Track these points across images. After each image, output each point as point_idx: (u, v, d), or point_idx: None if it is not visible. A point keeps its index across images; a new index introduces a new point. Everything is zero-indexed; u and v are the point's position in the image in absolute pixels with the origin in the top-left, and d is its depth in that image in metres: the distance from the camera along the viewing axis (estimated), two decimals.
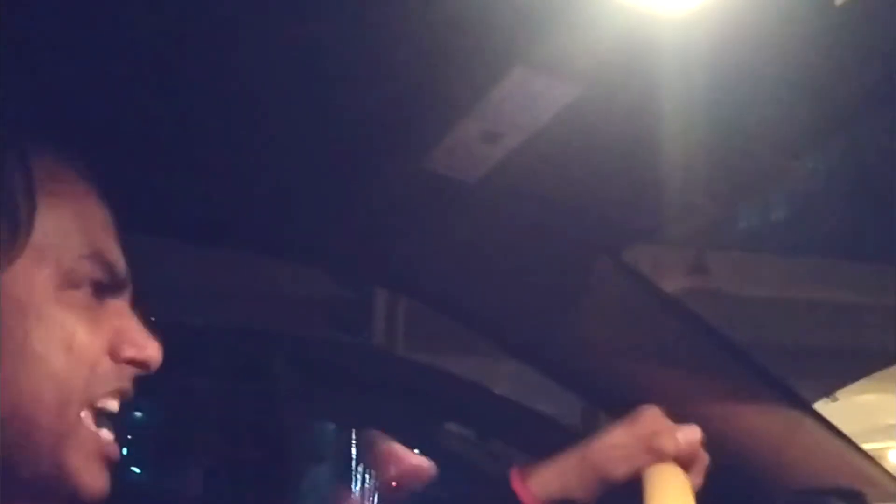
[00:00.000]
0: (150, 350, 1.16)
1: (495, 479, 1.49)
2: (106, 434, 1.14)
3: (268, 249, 2.14)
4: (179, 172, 1.67)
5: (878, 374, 10.05)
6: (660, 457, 1.37)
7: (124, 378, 1.15)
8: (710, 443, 1.46)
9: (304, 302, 8.32)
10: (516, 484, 1.42)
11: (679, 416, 1.47)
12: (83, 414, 1.11)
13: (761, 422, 1.85)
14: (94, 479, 1.13)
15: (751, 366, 1.88)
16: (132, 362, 1.15)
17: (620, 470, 1.39)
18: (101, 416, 1.14)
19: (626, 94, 1.41)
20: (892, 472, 1.90)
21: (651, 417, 1.42)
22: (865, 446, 1.94)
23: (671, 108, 1.43)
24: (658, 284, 1.92)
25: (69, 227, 1.12)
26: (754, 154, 1.60)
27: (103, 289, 1.14)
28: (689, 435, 1.39)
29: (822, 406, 1.94)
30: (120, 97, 1.45)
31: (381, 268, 1.97)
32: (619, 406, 1.50)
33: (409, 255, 1.85)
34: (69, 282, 1.11)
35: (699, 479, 1.40)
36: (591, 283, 1.84)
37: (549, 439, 3.08)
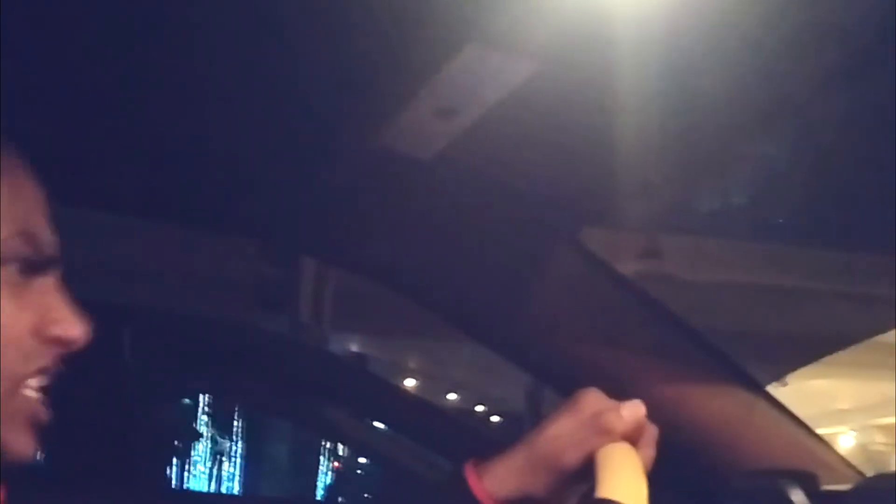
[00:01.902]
0: (77, 329, 1.14)
1: (448, 477, 1.48)
2: (34, 400, 1.13)
3: (208, 224, 2.12)
4: (114, 142, 1.65)
5: (828, 360, 10.17)
6: (607, 436, 1.36)
7: (49, 357, 1.14)
8: (664, 425, 1.46)
9: (228, 281, 8.31)
10: (472, 481, 1.41)
11: (632, 397, 1.46)
12: (8, 388, 1.10)
13: (715, 404, 1.85)
14: (23, 444, 1.12)
15: (705, 348, 1.88)
16: (58, 341, 1.13)
17: (571, 457, 1.38)
18: (29, 393, 1.13)
19: (580, 72, 1.41)
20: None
21: (593, 399, 1.41)
22: (816, 431, 1.94)
23: (626, 88, 1.42)
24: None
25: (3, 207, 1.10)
26: (709, 135, 1.60)
27: (31, 266, 1.12)
28: (633, 410, 1.38)
29: (772, 391, 1.94)
30: (57, 65, 1.43)
31: (332, 245, 1.96)
32: (574, 388, 1.49)
33: (360, 232, 1.84)
34: None
35: (651, 452, 1.39)
36: (545, 263, 1.83)
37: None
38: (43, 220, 1.15)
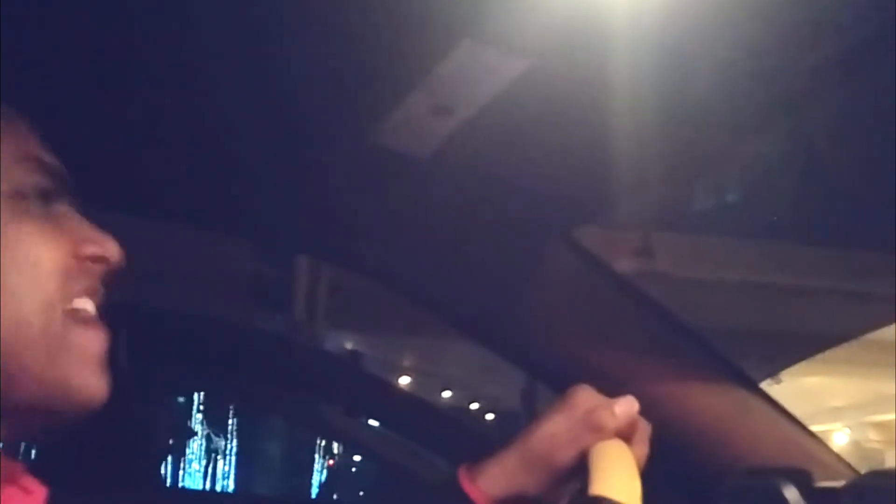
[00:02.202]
0: (110, 245, 1.16)
1: (443, 480, 1.48)
2: (93, 335, 1.14)
3: (202, 222, 2.12)
4: (107, 140, 1.65)
5: (822, 357, 10.17)
6: (600, 433, 1.36)
7: (92, 276, 1.15)
8: (658, 422, 1.46)
9: (222, 279, 8.29)
10: (466, 484, 1.41)
11: (626, 395, 1.46)
12: (65, 320, 1.10)
13: (709, 401, 1.85)
14: (93, 383, 1.14)
15: (699, 346, 1.89)
16: (95, 259, 1.14)
17: (565, 455, 1.38)
18: (81, 319, 1.13)
19: (575, 70, 1.41)
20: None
21: (585, 396, 1.41)
22: (810, 429, 1.95)
23: (621, 85, 1.42)
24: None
25: (3, 137, 1.11)
26: (704, 133, 1.59)
27: (48, 195, 1.13)
28: (626, 406, 1.39)
29: (766, 388, 1.94)
30: (49, 64, 1.43)
31: (327, 243, 1.96)
32: (568, 386, 1.49)
33: (355, 230, 1.84)
34: (18, 192, 1.10)
35: (644, 449, 1.40)
36: (540, 261, 1.83)
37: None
38: (41, 145, 1.15)
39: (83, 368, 1.12)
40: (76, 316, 1.12)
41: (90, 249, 1.14)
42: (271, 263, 8.38)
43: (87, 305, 1.14)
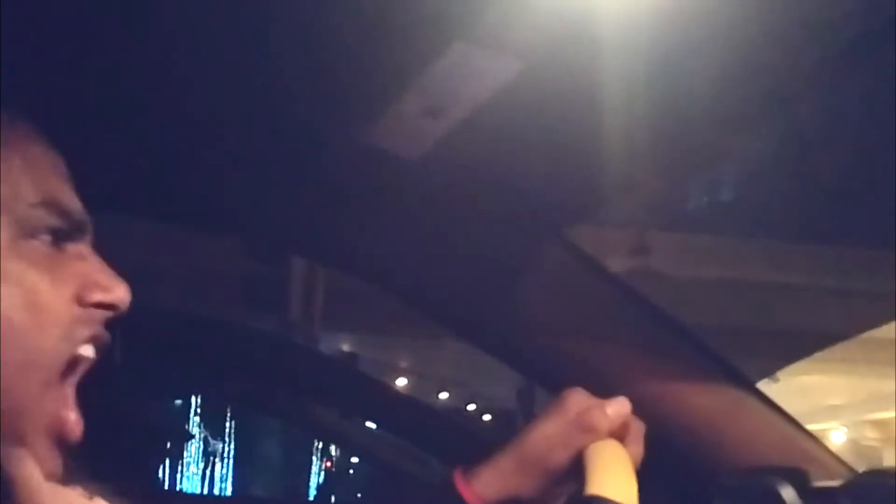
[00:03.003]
0: (118, 291, 1.14)
1: (438, 482, 1.48)
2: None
3: (197, 223, 2.11)
4: (101, 140, 1.64)
5: (819, 356, 10.17)
6: (594, 435, 1.36)
7: (95, 323, 1.13)
8: (653, 422, 1.46)
9: (218, 280, 8.29)
10: (461, 486, 1.41)
11: (621, 394, 1.46)
12: (67, 366, 1.10)
13: (704, 401, 1.85)
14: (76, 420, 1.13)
15: (694, 345, 1.88)
16: (101, 306, 1.13)
17: (559, 456, 1.38)
18: (81, 363, 1.13)
19: (566, 70, 1.40)
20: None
21: (577, 398, 1.41)
22: (808, 427, 1.94)
23: (613, 85, 1.42)
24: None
25: (18, 176, 1.10)
26: (696, 130, 1.60)
27: (62, 235, 1.12)
28: (618, 407, 1.39)
29: (763, 387, 1.94)
30: (41, 62, 1.42)
31: (320, 244, 1.96)
32: (562, 386, 1.49)
33: (349, 231, 1.83)
34: (25, 232, 1.09)
35: (638, 448, 1.40)
36: (534, 261, 1.83)
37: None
38: (65, 186, 1.14)
39: (72, 406, 1.13)
40: (77, 360, 1.12)
41: (97, 297, 1.12)
42: (267, 264, 8.38)
43: (88, 352, 1.13)
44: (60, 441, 1.12)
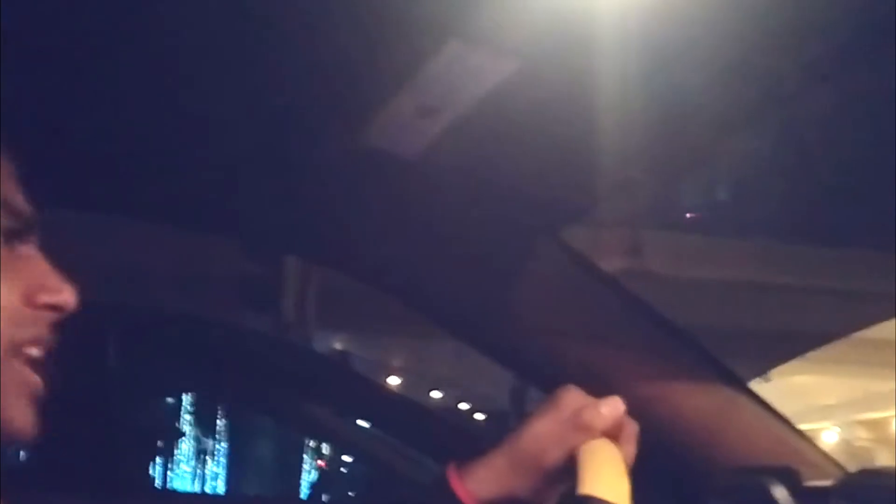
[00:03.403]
0: (66, 294, 1.14)
1: (431, 480, 1.48)
2: (31, 374, 1.12)
3: (191, 223, 2.11)
4: (96, 141, 1.64)
5: (811, 356, 10.19)
6: (588, 434, 1.36)
7: (42, 325, 1.13)
8: (646, 422, 1.46)
9: (212, 280, 8.29)
10: (455, 484, 1.41)
11: (615, 394, 1.46)
12: (9, 364, 1.10)
13: (697, 401, 1.85)
14: (23, 418, 1.11)
15: (687, 345, 1.89)
16: (49, 307, 1.13)
17: (552, 455, 1.38)
18: (26, 362, 1.12)
19: (562, 70, 1.41)
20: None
21: (572, 397, 1.41)
22: (800, 427, 1.95)
23: (608, 85, 1.42)
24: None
25: None
26: (691, 130, 1.60)
27: (11, 236, 1.12)
28: (612, 406, 1.39)
29: (755, 387, 1.95)
30: (32, 65, 1.42)
31: (315, 244, 1.96)
32: (556, 385, 1.49)
33: (344, 230, 1.83)
34: None
35: (631, 448, 1.40)
36: (528, 261, 1.83)
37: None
38: (15, 186, 1.14)
39: (17, 406, 1.11)
40: (21, 360, 1.11)
41: (45, 298, 1.12)
42: (261, 264, 8.38)
43: (33, 353, 1.13)
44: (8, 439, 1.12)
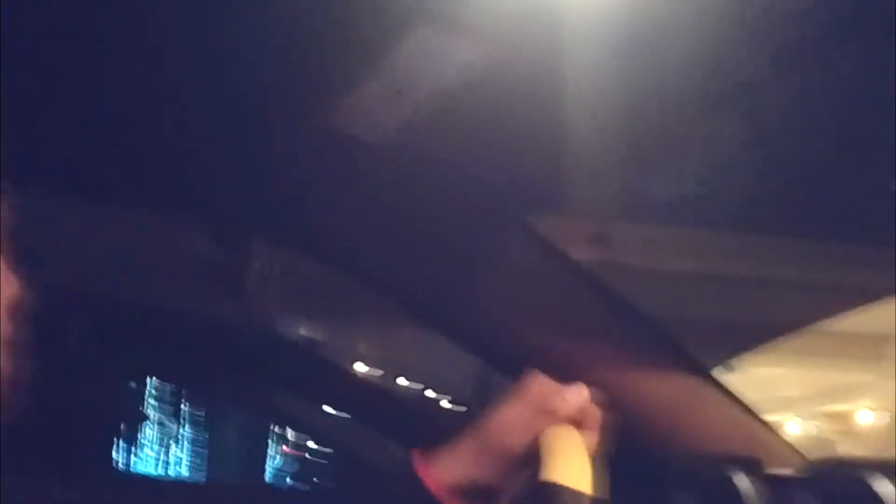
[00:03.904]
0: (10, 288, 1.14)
1: (396, 465, 1.48)
2: None
3: (154, 206, 2.10)
4: (58, 124, 1.63)
5: (775, 347, 10.22)
6: (552, 419, 1.36)
7: None
8: (610, 409, 1.46)
9: (174, 264, 8.26)
10: (420, 469, 1.41)
11: (580, 382, 1.47)
12: None
13: (662, 389, 1.85)
14: None
15: (651, 334, 1.89)
16: None
17: (517, 441, 1.38)
18: None
19: (531, 57, 1.41)
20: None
21: (537, 383, 1.41)
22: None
23: (576, 74, 1.42)
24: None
25: None
26: (657, 120, 1.60)
27: None
28: (577, 393, 1.39)
29: (717, 376, 1.96)
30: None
31: (282, 228, 1.96)
32: (521, 373, 1.49)
33: (311, 214, 1.83)
34: None
35: (595, 435, 1.40)
36: (496, 249, 1.83)
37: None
38: None
39: None
40: None
41: None
42: (224, 249, 8.35)
43: None
44: None
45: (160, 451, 10.87)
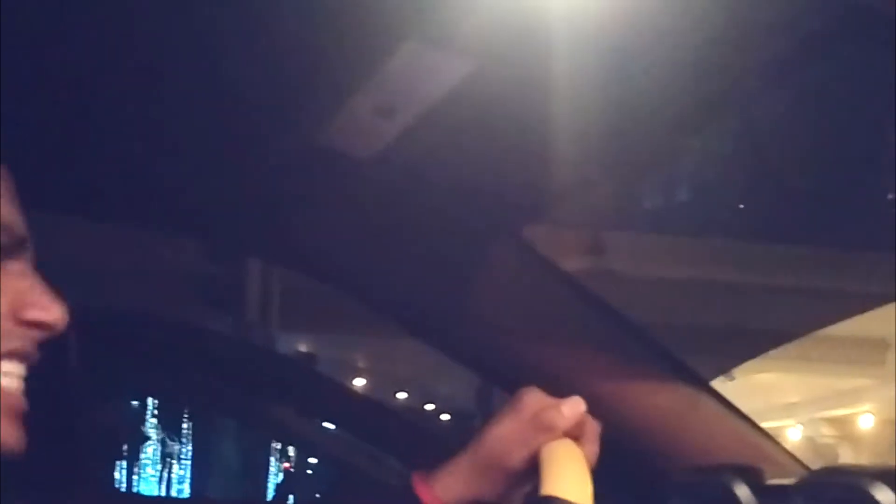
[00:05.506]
0: (54, 311, 1.14)
1: (396, 486, 1.48)
2: (12, 389, 1.12)
3: (152, 223, 2.10)
4: (53, 140, 1.63)
5: (775, 354, 10.23)
6: (550, 434, 1.36)
7: (27, 340, 1.13)
8: (608, 422, 1.46)
9: (174, 281, 8.26)
10: (420, 490, 1.41)
11: (576, 394, 1.46)
12: None
13: (660, 400, 1.85)
14: (9, 435, 1.12)
15: (649, 345, 1.89)
16: (36, 324, 1.13)
17: (516, 457, 1.38)
18: (6, 376, 1.12)
19: (518, 70, 1.41)
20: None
21: (533, 398, 1.41)
22: (764, 425, 1.95)
23: (565, 85, 1.42)
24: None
25: None
26: (650, 129, 1.60)
27: (1, 251, 1.11)
28: (574, 406, 1.39)
29: (719, 385, 1.95)
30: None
31: (274, 245, 1.96)
32: (518, 386, 1.49)
33: (303, 231, 1.83)
34: None
35: (594, 447, 1.40)
36: (488, 261, 1.83)
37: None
38: (9, 205, 1.14)
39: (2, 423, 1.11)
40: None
41: (32, 314, 1.12)
42: (223, 265, 8.35)
43: (14, 369, 1.13)
44: None
45: (162, 469, 10.88)
